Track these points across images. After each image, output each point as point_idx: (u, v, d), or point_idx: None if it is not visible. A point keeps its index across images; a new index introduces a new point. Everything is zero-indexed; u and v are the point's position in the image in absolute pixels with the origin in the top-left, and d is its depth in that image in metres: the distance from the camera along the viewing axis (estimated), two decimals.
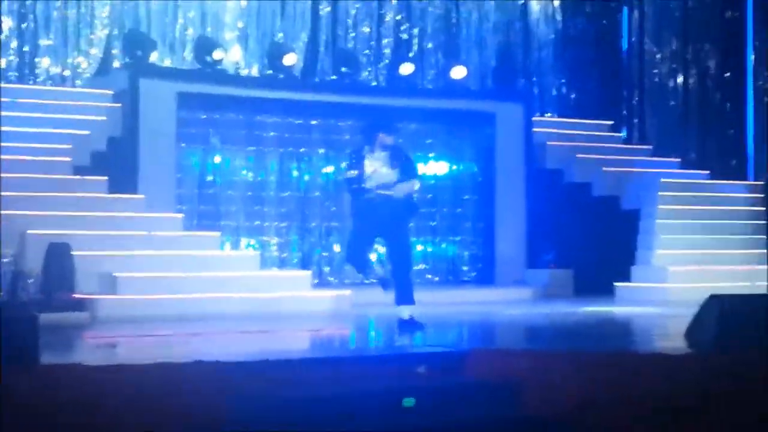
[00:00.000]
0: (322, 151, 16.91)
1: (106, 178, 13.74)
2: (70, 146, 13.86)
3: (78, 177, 13.52)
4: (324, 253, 16.84)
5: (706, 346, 7.50)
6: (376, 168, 10.24)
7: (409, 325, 10.04)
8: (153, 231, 13.05)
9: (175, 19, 16.55)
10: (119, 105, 14.84)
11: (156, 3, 16.36)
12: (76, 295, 11.59)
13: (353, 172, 10.33)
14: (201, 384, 6.48)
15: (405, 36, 18.34)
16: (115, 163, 14.40)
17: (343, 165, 10.72)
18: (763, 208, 17.45)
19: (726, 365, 7.02)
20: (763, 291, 13.03)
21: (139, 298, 11.74)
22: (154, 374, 6.48)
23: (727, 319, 7.47)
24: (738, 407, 6.80)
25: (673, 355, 7.61)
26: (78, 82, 15.72)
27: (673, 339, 8.74)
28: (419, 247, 17.05)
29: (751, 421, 6.69)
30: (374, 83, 17.78)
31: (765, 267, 16.44)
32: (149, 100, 14.83)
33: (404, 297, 10.22)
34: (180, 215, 14.15)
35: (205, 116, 16.00)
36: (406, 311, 10.18)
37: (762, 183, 18.16)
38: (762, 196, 17.66)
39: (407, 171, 10.36)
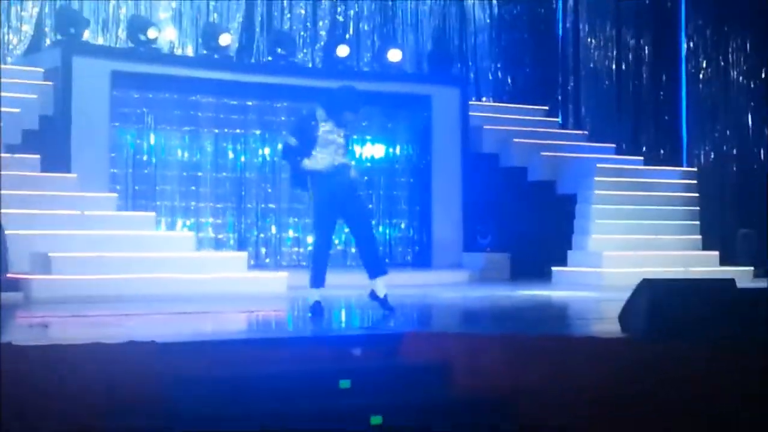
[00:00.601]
0: (258, 132, 16.86)
1: (38, 156, 13.56)
2: (1, 124, 13.66)
3: (9, 155, 13.31)
4: (260, 235, 16.79)
5: (639, 329, 7.57)
6: (331, 138, 9.94)
7: (381, 304, 9.97)
8: (87, 210, 12.91)
9: None
10: (51, 83, 14.66)
11: None
12: (9, 275, 11.43)
13: (292, 140, 10.03)
14: (134, 364, 6.43)
15: (341, 18, 18.30)
16: (48, 141, 14.23)
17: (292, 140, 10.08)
18: (697, 195, 17.66)
19: (657, 349, 7.09)
20: (696, 276, 13.19)
21: (73, 278, 11.58)
22: (87, 354, 6.41)
23: (658, 303, 7.54)
24: (668, 391, 6.88)
25: (606, 338, 7.67)
26: (9, 59, 15.47)
27: (606, 323, 8.81)
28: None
29: (680, 404, 6.78)
30: (310, 65, 17.72)
31: (699, 252, 16.69)
32: (82, 78, 14.68)
33: (381, 267, 10.13)
34: (114, 195, 14.01)
35: (139, 95, 15.86)
36: (382, 287, 10.05)
37: (695, 169, 18.37)
38: (695, 182, 17.87)
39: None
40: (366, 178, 17.03)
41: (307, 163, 9.89)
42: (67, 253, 11.88)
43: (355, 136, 11.45)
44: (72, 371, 6.18)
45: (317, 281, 9.95)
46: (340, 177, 9.91)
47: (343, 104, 10.05)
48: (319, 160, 9.88)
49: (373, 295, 10.05)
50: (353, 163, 10.44)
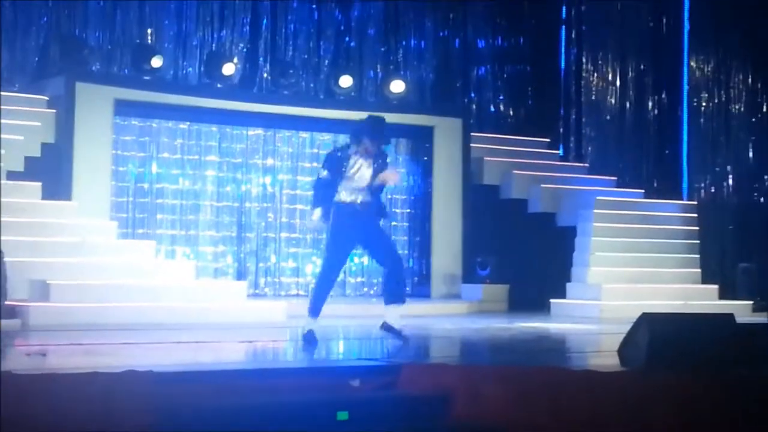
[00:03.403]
0: (259, 161, 16.88)
1: (39, 183, 13.58)
2: (2, 151, 13.68)
3: (11, 182, 13.33)
4: (260, 264, 16.79)
5: (638, 363, 7.55)
6: (359, 172, 9.88)
7: (393, 334, 9.92)
8: (87, 238, 12.91)
9: (114, 25, 16.43)
10: (54, 111, 14.71)
11: (93, 7, 16.23)
12: (8, 302, 11.41)
13: (324, 173, 9.91)
14: (132, 394, 6.42)
15: (344, 48, 18.36)
16: (50, 169, 14.26)
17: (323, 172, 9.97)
18: (697, 228, 17.67)
19: (656, 384, 7.07)
20: (695, 310, 13.17)
21: (72, 305, 11.57)
22: (85, 383, 6.39)
23: (658, 337, 7.53)
24: (668, 425, 6.86)
25: (605, 372, 7.66)
26: (15, 86, 15.51)
27: (605, 356, 8.79)
28: (356, 260, 17.06)
29: None
30: (313, 95, 17.78)
31: (698, 286, 16.68)
32: (85, 106, 14.72)
33: (401, 294, 10.01)
34: (114, 223, 14.01)
35: (141, 124, 15.91)
36: (397, 316, 9.94)
37: (695, 203, 18.38)
38: (695, 215, 17.88)
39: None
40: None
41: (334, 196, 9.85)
42: (67, 280, 11.87)
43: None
44: (70, 400, 6.17)
45: (315, 311, 9.90)
46: (362, 215, 9.85)
47: (372, 134, 9.97)
48: (344, 194, 9.83)
49: (386, 326, 9.91)
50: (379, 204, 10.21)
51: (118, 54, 16.42)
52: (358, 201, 9.86)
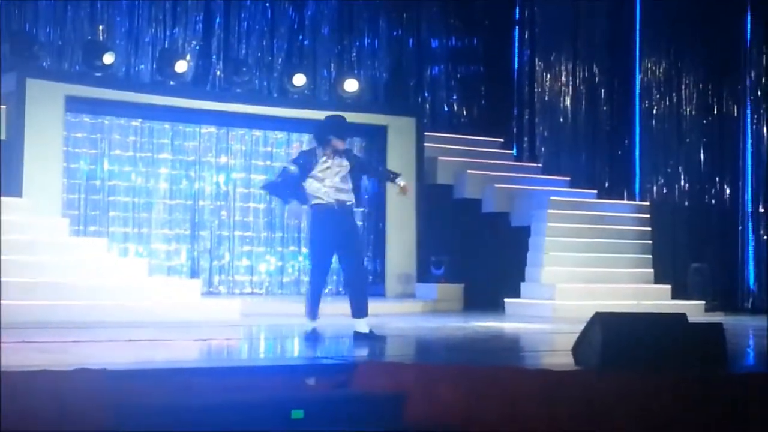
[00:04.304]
0: (212, 159, 16.82)
1: None
2: None
3: None
4: (214, 262, 16.73)
5: (592, 363, 7.58)
6: (330, 173, 10.03)
7: (369, 338, 10.01)
8: (38, 235, 12.78)
9: (65, 21, 16.29)
10: (4, 107, 14.56)
11: (44, 3, 16.08)
12: None
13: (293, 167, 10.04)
14: (85, 391, 6.36)
15: (298, 47, 18.31)
16: (0, 165, 14.11)
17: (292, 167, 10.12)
18: (649, 228, 17.79)
19: (610, 383, 7.11)
20: (648, 310, 13.26)
21: (23, 303, 11.45)
22: (37, 381, 6.32)
23: (611, 336, 7.56)
24: (622, 424, 6.90)
25: (559, 371, 7.68)
26: None
27: (559, 355, 8.82)
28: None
29: None
30: (266, 93, 17.72)
31: (651, 286, 16.79)
32: (36, 102, 14.59)
33: (364, 309, 10.18)
34: (66, 220, 13.88)
35: (93, 120, 15.79)
36: (364, 325, 10.14)
37: (648, 203, 18.50)
38: (648, 216, 18.00)
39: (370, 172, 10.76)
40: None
41: (309, 191, 9.98)
42: (18, 278, 11.74)
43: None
44: (21, 398, 6.10)
45: (312, 314, 10.15)
46: (339, 214, 10.00)
47: (330, 131, 10.07)
48: (320, 195, 9.98)
49: (357, 336, 10.06)
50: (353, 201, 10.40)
51: (69, 50, 16.30)
52: (334, 200, 9.99)
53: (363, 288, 10.35)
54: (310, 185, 10.00)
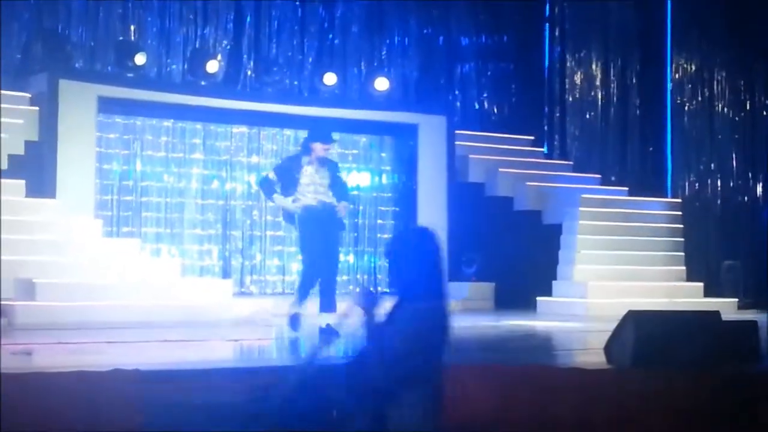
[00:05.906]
0: (243, 159, 16.85)
1: (23, 181, 13.51)
2: None
3: None
4: (245, 262, 16.75)
5: (624, 361, 7.57)
6: (313, 179, 10.71)
7: (327, 333, 10.08)
8: (71, 237, 12.85)
9: (97, 22, 16.35)
10: (37, 108, 14.64)
11: (76, 4, 16.15)
12: None
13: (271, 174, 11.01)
14: (120, 392, 6.39)
15: (328, 46, 18.32)
16: (33, 167, 14.18)
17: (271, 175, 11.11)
18: (681, 226, 17.70)
19: (642, 382, 7.08)
20: (681, 307, 13.19)
21: (57, 304, 11.53)
22: (71, 382, 6.37)
23: (644, 335, 7.54)
24: (654, 423, 6.87)
25: (591, 369, 7.67)
26: None
27: (591, 354, 8.80)
28: (341, 258, 17.02)
29: None
30: (297, 92, 17.74)
31: (683, 284, 16.70)
32: (68, 103, 14.64)
33: (330, 304, 10.48)
34: (99, 221, 13.95)
35: (125, 121, 15.85)
36: (327, 319, 10.28)
37: (680, 201, 18.42)
38: (680, 213, 17.91)
39: (339, 190, 10.96)
40: (351, 206, 16.99)
41: (290, 205, 10.76)
42: (52, 279, 11.82)
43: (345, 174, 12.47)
44: (55, 399, 6.14)
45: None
46: (324, 216, 10.66)
47: (322, 138, 10.83)
48: (301, 201, 10.69)
49: (322, 330, 10.33)
50: (344, 203, 11.04)
51: (101, 51, 16.34)
52: (317, 203, 10.68)
53: (334, 284, 10.89)
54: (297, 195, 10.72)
